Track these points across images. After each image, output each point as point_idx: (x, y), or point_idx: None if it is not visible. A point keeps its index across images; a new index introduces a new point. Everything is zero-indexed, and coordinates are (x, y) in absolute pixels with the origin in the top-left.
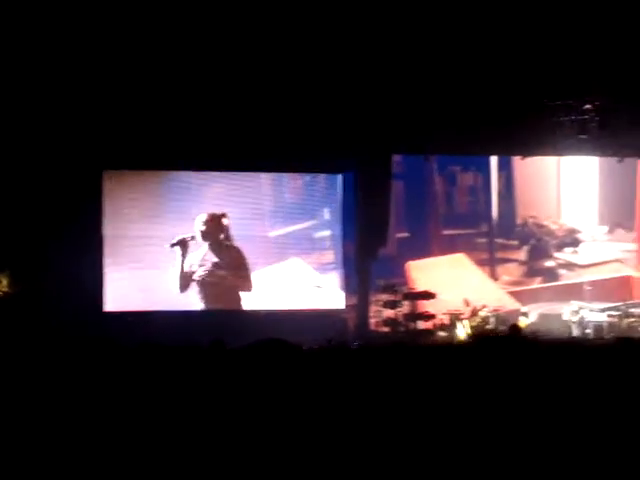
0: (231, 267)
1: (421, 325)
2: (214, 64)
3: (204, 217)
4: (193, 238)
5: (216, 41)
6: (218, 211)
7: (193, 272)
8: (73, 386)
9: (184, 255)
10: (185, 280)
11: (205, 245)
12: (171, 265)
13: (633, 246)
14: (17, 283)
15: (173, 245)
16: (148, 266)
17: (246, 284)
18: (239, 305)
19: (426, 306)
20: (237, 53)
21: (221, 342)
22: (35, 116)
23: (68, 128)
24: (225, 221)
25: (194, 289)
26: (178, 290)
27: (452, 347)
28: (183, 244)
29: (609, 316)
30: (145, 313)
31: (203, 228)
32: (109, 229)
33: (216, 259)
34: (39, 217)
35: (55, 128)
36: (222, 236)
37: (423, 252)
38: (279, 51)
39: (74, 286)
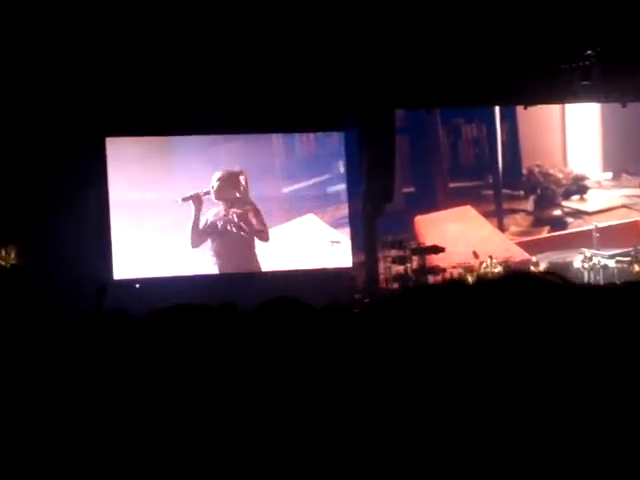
0: (246, 225)
1: (431, 279)
2: (216, 25)
3: (219, 174)
4: (207, 193)
5: (219, 1)
6: (235, 169)
7: (207, 229)
8: (83, 360)
9: (198, 210)
10: (198, 236)
11: (220, 203)
12: (180, 229)
13: (639, 191)
14: (25, 255)
15: (185, 199)
16: (157, 231)
17: (263, 237)
18: (253, 264)
19: (435, 260)
20: (239, 14)
21: (231, 305)
22: (37, 84)
23: (70, 95)
24: (242, 179)
25: (207, 248)
26: (190, 245)
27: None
28: (197, 199)
29: (618, 262)
30: (156, 279)
31: (217, 184)
32: (115, 195)
33: (232, 217)
34: (43, 187)
35: (57, 95)
36: (238, 194)
37: (430, 206)
38: (281, 10)
39: (83, 256)
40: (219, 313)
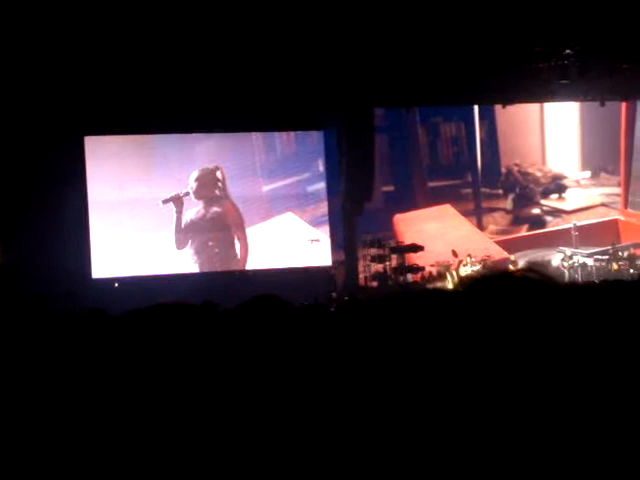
0: (227, 223)
1: (410, 278)
2: (196, 24)
3: (196, 174)
4: (187, 194)
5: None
6: (210, 166)
7: (189, 228)
8: (62, 359)
9: (179, 212)
10: (183, 237)
11: (200, 202)
12: (160, 227)
13: (617, 190)
14: (5, 253)
15: (166, 201)
16: (136, 230)
17: (242, 239)
18: (234, 262)
19: (414, 259)
20: (219, 13)
21: (211, 304)
22: (16, 84)
23: (49, 95)
24: (219, 174)
25: (189, 249)
26: (175, 247)
27: (444, 293)
28: (177, 200)
29: (597, 260)
30: (135, 278)
31: (196, 185)
32: (94, 195)
33: (212, 215)
34: (22, 186)
35: (36, 94)
36: (217, 191)
37: (409, 205)
38: (261, 10)
39: (62, 255)
40: (199, 311)
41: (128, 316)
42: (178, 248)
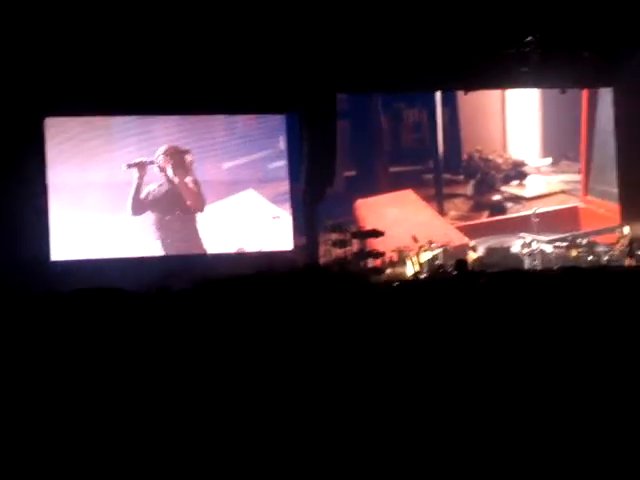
0: (187, 205)
1: (370, 263)
2: (157, 6)
3: (164, 148)
4: (152, 163)
5: None
6: (182, 147)
7: (148, 200)
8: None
9: (141, 178)
10: (139, 205)
11: (163, 177)
12: (120, 210)
13: (578, 177)
14: None
15: (130, 166)
16: (96, 212)
17: (198, 207)
18: (195, 242)
19: (375, 244)
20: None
21: (167, 288)
22: None
23: (7, 74)
24: (188, 157)
25: (151, 226)
26: (130, 213)
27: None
28: (141, 167)
29: (556, 247)
30: (95, 261)
31: (162, 158)
32: (53, 176)
33: (173, 195)
34: None
35: None
36: (181, 171)
37: (371, 190)
38: None
39: (21, 237)
40: (144, 296)
41: (71, 295)
42: (133, 214)
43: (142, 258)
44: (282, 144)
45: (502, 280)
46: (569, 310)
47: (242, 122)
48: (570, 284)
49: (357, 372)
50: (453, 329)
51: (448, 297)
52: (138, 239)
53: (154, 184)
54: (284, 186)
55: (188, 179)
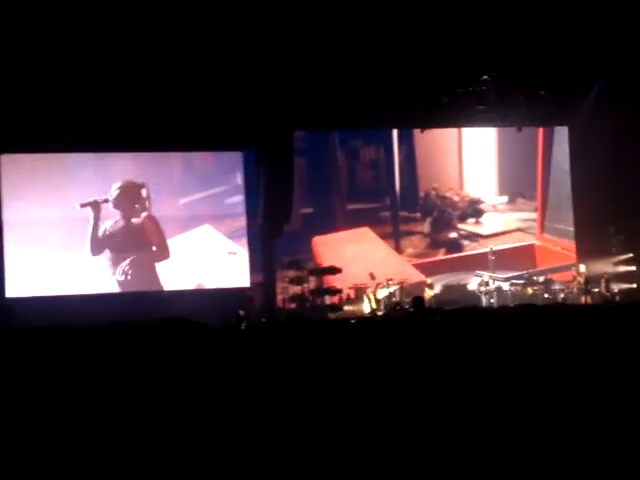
0: (147, 240)
1: (328, 300)
2: (114, 46)
3: (119, 183)
4: (106, 201)
5: (116, 24)
6: (137, 181)
7: (106, 238)
8: None
9: (97, 218)
10: (97, 245)
11: (119, 214)
12: (77, 246)
13: (534, 215)
14: None
15: (83, 205)
16: (51, 249)
17: (163, 254)
18: (152, 280)
19: (332, 281)
20: (138, 30)
21: (119, 325)
22: None
23: None
24: (143, 192)
25: (107, 261)
26: (90, 253)
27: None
28: (95, 206)
29: (513, 285)
30: (50, 298)
31: (117, 193)
32: (7, 214)
33: (131, 231)
34: None
35: None
36: (137, 206)
37: (328, 227)
38: (179, 32)
39: None
40: (96, 334)
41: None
42: (92, 255)
43: (99, 295)
44: (239, 180)
45: (458, 317)
46: (525, 347)
47: (199, 158)
48: (526, 322)
49: (313, 410)
50: (409, 366)
51: (405, 334)
52: (95, 276)
53: (110, 220)
54: (241, 221)
55: (145, 215)
